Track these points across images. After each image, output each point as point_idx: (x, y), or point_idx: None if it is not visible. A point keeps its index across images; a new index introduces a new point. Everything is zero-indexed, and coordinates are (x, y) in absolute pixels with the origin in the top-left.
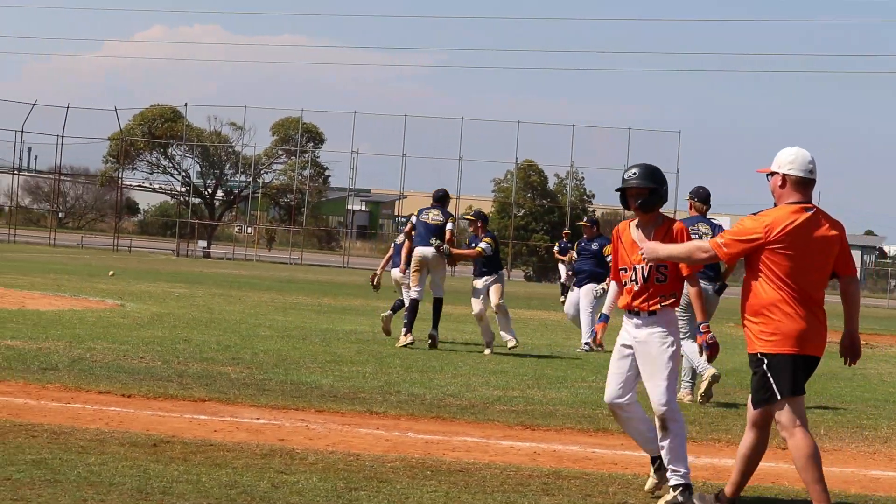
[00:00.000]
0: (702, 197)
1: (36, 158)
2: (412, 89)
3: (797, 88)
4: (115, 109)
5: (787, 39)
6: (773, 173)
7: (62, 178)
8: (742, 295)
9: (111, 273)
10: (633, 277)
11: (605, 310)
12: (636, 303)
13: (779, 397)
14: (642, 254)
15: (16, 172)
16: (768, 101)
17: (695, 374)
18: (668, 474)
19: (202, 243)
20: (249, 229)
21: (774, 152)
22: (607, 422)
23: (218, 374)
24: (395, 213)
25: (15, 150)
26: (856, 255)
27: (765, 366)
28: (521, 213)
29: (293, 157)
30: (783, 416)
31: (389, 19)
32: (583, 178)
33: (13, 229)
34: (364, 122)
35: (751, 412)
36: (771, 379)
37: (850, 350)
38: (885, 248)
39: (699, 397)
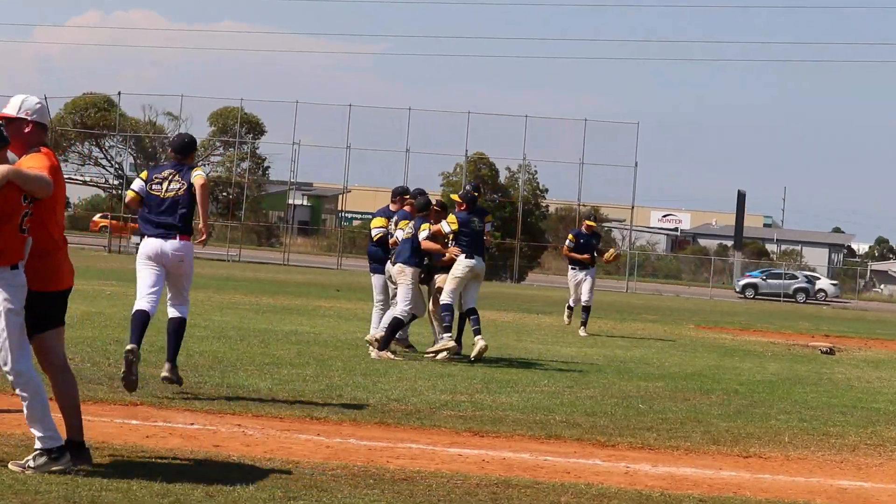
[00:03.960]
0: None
1: None
2: (357, 78)
3: (764, 79)
4: (45, 98)
5: (753, 27)
6: (15, 119)
7: None
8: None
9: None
10: None
11: None
12: None
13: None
14: None
15: None
16: (733, 92)
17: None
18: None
19: (136, 239)
20: None
21: (740, 145)
22: (560, 428)
23: (150, 377)
24: (339, 208)
25: None
26: (823, 253)
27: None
28: None
29: (232, 149)
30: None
31: (333, 4)
32: (535, 171)
33: None
34: (306, 112)
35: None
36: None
37: None
38: (854, 247)
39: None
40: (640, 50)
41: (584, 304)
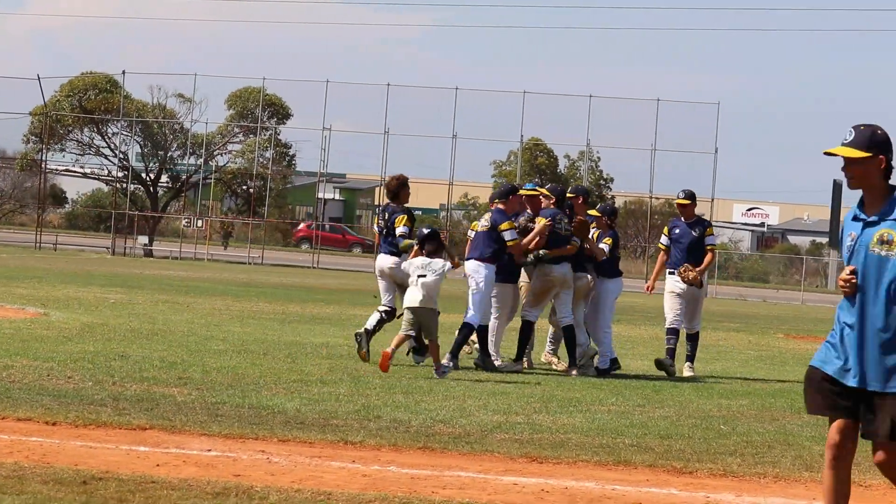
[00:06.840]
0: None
1: None
2: (397, 54)
3: (866, 50)
4: (39, 78)
5: None
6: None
7: None
8: None
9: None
10: None
11: None
12: None
13: None
14: None
15: None
16: (828, 66)
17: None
18: None
19: (143, 239)
20: (200, 223)
21: (836, 128)
22: (630, 453)
23: (161, 397)
24: (375, 203)
25: None
26: None
27: None
28: None
29: (252, 136)
30: None
31: None
32: (599, 158)
33: None
34: (338, 92)
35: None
36: None
37: None
38: None
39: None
40: (719, 19)
41: (689, 331)
